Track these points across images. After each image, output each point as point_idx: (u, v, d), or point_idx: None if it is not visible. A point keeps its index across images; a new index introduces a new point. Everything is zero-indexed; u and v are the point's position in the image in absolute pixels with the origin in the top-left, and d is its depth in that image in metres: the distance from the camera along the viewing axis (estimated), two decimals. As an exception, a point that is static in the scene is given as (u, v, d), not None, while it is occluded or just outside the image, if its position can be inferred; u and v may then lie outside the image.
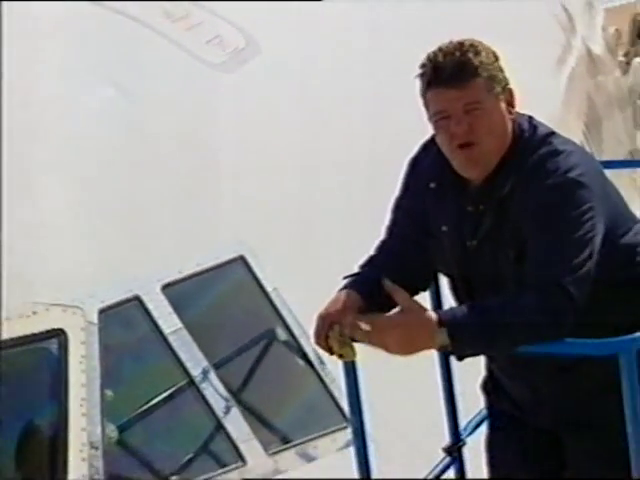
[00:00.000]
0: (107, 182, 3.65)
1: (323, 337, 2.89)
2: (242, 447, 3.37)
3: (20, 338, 3.12)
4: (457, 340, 2.73)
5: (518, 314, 2.77)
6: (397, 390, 3.38)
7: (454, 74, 2.86)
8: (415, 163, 3.14)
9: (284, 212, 4.05)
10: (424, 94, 2.87)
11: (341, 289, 2.98)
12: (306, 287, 3.50)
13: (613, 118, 13.48)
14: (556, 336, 2.76)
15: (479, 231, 2.92)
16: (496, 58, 2.96)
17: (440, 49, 2.92)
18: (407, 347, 2.76)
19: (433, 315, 2.77)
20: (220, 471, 3.34)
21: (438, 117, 2.86)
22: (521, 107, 3.17)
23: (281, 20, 5.07)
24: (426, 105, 2.89)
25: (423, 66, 2.87)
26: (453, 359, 3.27)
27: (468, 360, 3.21)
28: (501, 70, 2.97)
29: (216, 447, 3.41)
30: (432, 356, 3.21)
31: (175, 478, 3.29)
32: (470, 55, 2.89)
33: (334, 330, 2.87)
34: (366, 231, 3.23)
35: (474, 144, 2.84)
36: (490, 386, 3.33)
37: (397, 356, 2.91)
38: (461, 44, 2.92)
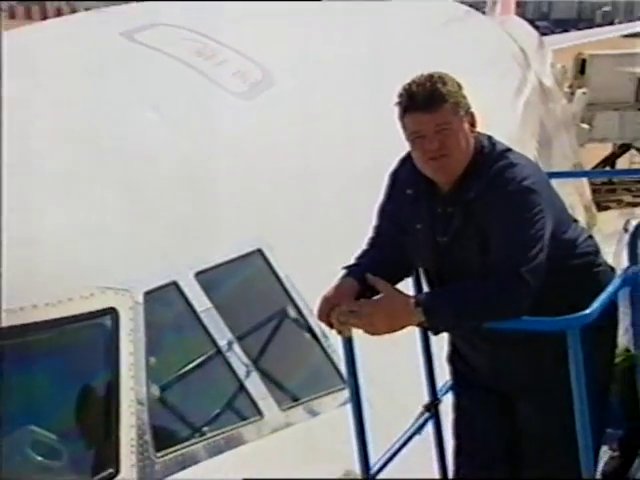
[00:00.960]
0: (152, 190, 3.67)
1: (325, 316, 2.99)
2: (260, 403, 3.39)
3: (81, 315, 3.14)
4: (431, 317, 2.83)
5: (483, 296, 2.86)
6: (386, 358, 3.41)
7: (426, 101, 2.92)
8: (394, 175, 3.24)
9: (295, 214, 4.10)
10: (402, 118, 2.96)
11: (341, 277, 3.07)
12: (312, 274, 3.53)
13: (560, 138, 13.66)
14: (515, 315, 2.82)
15: (449, 229, 3.02)
16: (460, 87, 3.04)
17: (414, 81, 2.99)
18: (391, 325, 2.85)
19: (411, 298, 2.87)
20: (242, 423, 3.35)
21: (414, 136, 2.95)
22: (486, 128, 3.26)
23: (291, 58, 5.15)
24: (404, 127, 2.97)
25: (400, 95, 2.96)
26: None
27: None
28: (464, 97, 3.03)
29: (238, 403, 3.42)
30: (414, 332, 3.26)
31: (206, 429, 3.29)
32: (438, 85, 2.95)
33: (335, 311, 2.96)
34: (361, 230, 3.29)
35: (444, 156, 2.92)
36: (455, 357, 3.41)
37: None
38: (431, 76, 2.99)
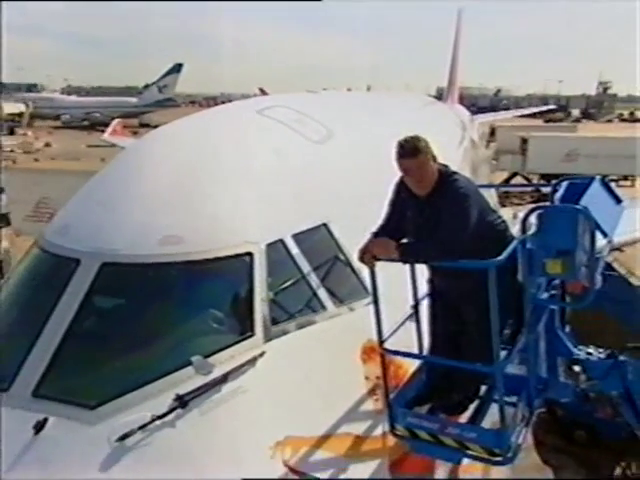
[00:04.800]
0: (273, 193, 3.58)
1: (361, 258, 3.04)
2: (324, 303, 3.35)
3: (234, 255, 3.12)
4: (402, 253, 2.92)
5: (433, 248, 2.91)
6: (391, 283, 3.28)
7: (407, 152, 2.96)
8: (398, 184, 3.25)
9: (345, 204, 3.98)
10: (397, 160, 3.02)
11: (369, 238, 3.11)
12: (354, 237, 3.41)
13: (482, 168, 14.02)
14: (445, 259, 2.92)
15: (423, 216, 3.06)
16: (427, 143, 3.05)
17: (404, 139, 3.03)
18: (385, 252, 2.94)
19: (393, 242, 2.96)
20: (314, 313, 3.30)
21: (403, 171, 3.02)
22: (445, 161, 3.23)
23: (342, 124, 5.04)
24: (398, 164, 3.02)
25: (396, 147, 3.01)
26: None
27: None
28: (430, 148, 3.05)
29: (312, 302, 3.33)
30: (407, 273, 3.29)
31: (296, 314, 3.20)
32: (416, 144, 3.00)
33: (366, 254, 3.00)
34: (380, 214, 3.30)
35: (420, 182, 2.99)
36: (430, 281, 3.42)
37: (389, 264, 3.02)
38: (412, 138, 3.04)
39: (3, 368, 2.77)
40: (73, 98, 64.90)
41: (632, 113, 79.08)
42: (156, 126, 4.58)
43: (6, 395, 2.62)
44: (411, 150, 2.98)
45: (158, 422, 2.57)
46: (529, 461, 6.94)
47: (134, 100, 59.61)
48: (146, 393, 2.66)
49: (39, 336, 2.76)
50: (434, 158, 3.06)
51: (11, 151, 35.76)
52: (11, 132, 46.36)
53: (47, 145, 40.42)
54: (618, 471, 7.10)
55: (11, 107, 50.56)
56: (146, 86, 62.24)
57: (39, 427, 2.45)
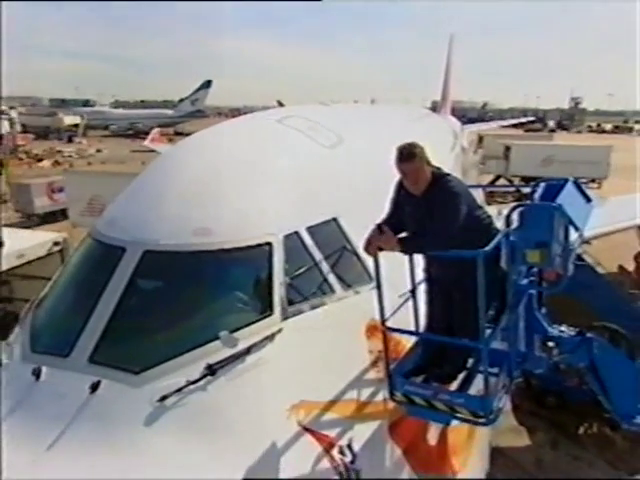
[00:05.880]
0: (288, 190, 3.49)
1: (366, 247, 2.97)
2: (334, 286, 3.30)
3: (256, 245, 3.08)
4: (403, 246, 2.82)
5: (428, 240, 2.82)
6: (392, 270, 3.20)
7: (404, 157, 2.86)
8: (398, 184, 3.16)
9: (351, 202, 3.86)
10: (396, 164, 2.92)
11: (374, 229, 3.03)
12: (361, 230, 3.31)
13: (471, 171, 13.65)
14: (437, 250, 2.85)
15: (419, 213, 2.96)
16: (422, 149, 2.94)
17: (402, 145, 2.93)
18: (390, 244, 2.84)
19: (395, 237, 2.87)
20: (324, 295, 3.23)
21: (401, 173, 2.92)
22: (439, 164, 3.13)
23: (350, 132, 4.90)
24: (397, 167, 2.93)
25: (396, 152, 2.91)
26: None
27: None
28: (425, 154, 2.96)
29: (323, 287, 3.28)
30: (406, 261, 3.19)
31: (313, 296, 3.15)
32: (412, 150, 2.90)
33: (370, 245, 2.93)
34: (383, 210, 3.22)
35: (415, 184, 2.88)
36: (426, 269, 3.34)
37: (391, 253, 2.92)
38: (409, 145, 2.94)
39: (64, 338, 2.83)
40: (120, 111, 65.27)
41: (599, 125, 79.17)
42: (189, 134, 4.51)
43: (67, 360, 2.71)
44: (408, 155, 2.94)
45: (191, 386, 2.60)
46: (508, 423, 6.93)
47: (170, 112, 59.80)
48: (181, 362, 2.68)
49: (92, 312, 2.81)
50: (428, 162, 3.00)
51: (69, 156, 36.31)
52: (69, 140, 47.27)
53: (98, 151, 40.83)
54: (581, 430, 7.09)
55: (70, 119, 51.79)
56: (181, 100, 62.46)
57: (94, 387, 2.55)
